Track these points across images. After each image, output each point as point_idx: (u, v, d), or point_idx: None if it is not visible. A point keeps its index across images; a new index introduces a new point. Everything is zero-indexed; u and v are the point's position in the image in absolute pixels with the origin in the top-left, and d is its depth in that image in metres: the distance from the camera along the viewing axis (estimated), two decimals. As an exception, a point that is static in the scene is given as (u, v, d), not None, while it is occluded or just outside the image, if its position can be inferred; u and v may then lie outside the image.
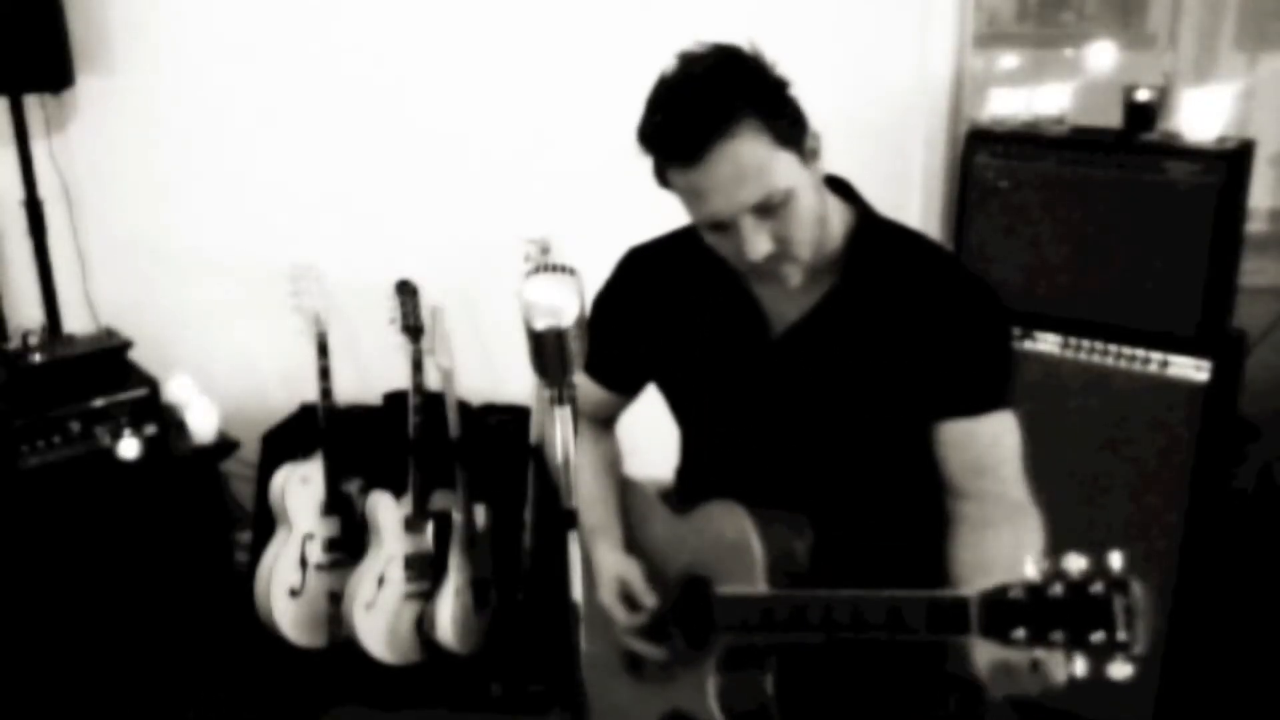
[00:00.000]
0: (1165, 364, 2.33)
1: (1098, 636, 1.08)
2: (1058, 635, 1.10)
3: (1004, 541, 1.40)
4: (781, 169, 1.35)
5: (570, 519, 1.23)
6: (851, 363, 1.49)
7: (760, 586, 1.44)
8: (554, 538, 2.30)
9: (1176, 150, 2.29)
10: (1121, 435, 2.38)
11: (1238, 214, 2.29)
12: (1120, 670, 1.08)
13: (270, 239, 3.00)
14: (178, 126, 3.02)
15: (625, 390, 1.73)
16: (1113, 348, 2.38)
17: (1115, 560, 1.10)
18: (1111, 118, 2.41)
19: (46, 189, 2.98)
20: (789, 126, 1.37)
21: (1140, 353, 2.35)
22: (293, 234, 2.99)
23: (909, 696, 1.55)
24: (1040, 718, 2.42)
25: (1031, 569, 1.13)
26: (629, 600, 1.59)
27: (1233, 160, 2.24)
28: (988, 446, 1.47)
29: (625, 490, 1.73)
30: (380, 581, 2.80)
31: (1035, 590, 1.12)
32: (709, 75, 1.35)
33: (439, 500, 2.84)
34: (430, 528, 2.81)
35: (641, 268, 1.66)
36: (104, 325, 2.96)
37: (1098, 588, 1.09)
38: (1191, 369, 2.30)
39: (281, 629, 2.84)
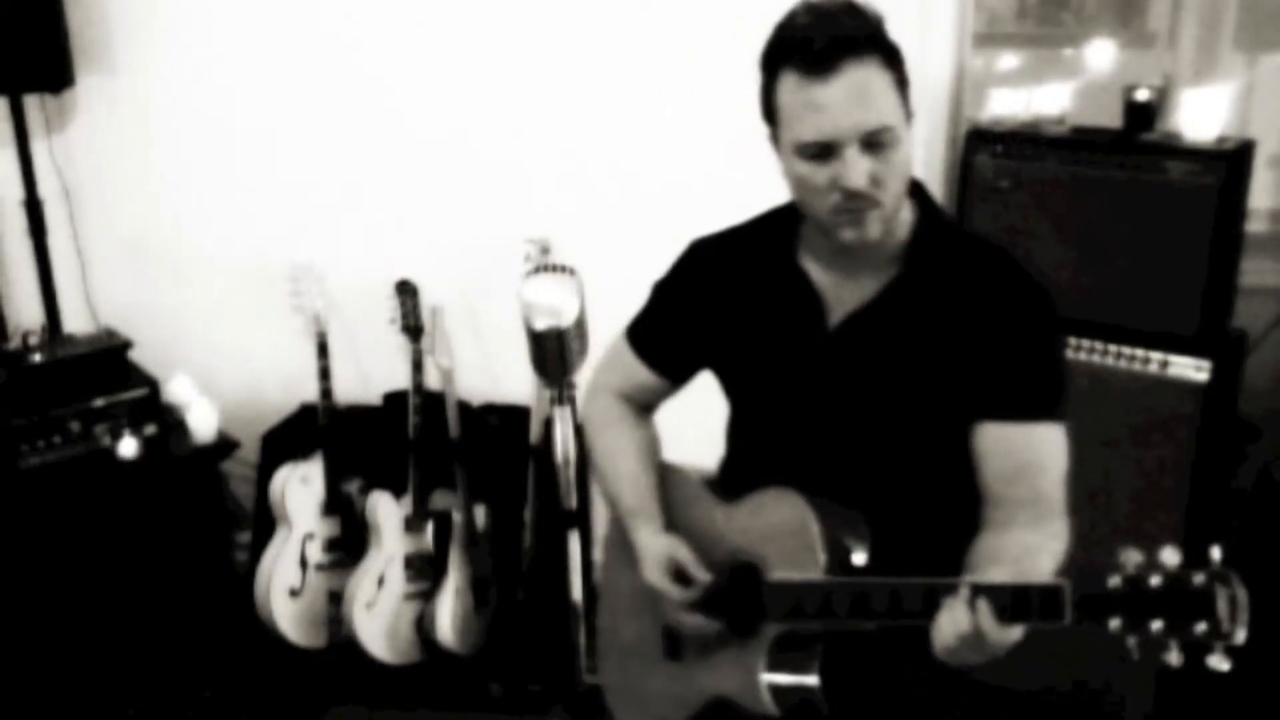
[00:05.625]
0: (1165, 364, 2.33)
1: (1201, 628, 1.10)
2: (1156, 625, 1.12)
3: (1012, 540, 1.40)
4: (894, 110, 1.40)
5: (570, 519, 1.23)
6: (907, 355, 1.50)
7: (818, 575, 1.43)
8: (554, 538, 2.30)
9: (1176, 150, 2.29)
10: (1121, 435, 2.38)
11: (1238, 214, 2.29)
12: (1220, 662, 1.10)
13: (270, 239, 3.00)
14: (178, 126, 3.02)
15: (677, 377, 1.74)
16: (1113, 348, 2.38)
17: (1215, 553, 1.12)
18: (1111, 118, 2.41)
19: (46, 189, 2.98)
20: (902, 80, 1.43)
21: (1140, 353, 2.35)
22: (293, 234, 2.98)
23: (954, 684, 1.54)
24: (1041, 712, 2.43)
25: (1126, 559, 1.15)
26: (680, 576, 1.59)
27: (1233, 160, 2.24)
28: (1027, 455, 1.45)
29: (666, 475, 1.74)
30: (380, 581, 2.80)
31: (1132, 580, 1.14)
32: (848, 6, 1.42)
33: (439, 500, 2.84)
34: (430, 528, 2.81)
35: (705, 257, 1.68)
36: (104, 325, 2.96)
37: (1200, 579, 1.11)
38: (1191, 369, 2.30)
39: (281, 629, 2.84)
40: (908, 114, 1.43)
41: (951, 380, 1.47)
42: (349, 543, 2.86)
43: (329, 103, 2.94)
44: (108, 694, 2.69)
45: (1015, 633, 1.24)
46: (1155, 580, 1.12)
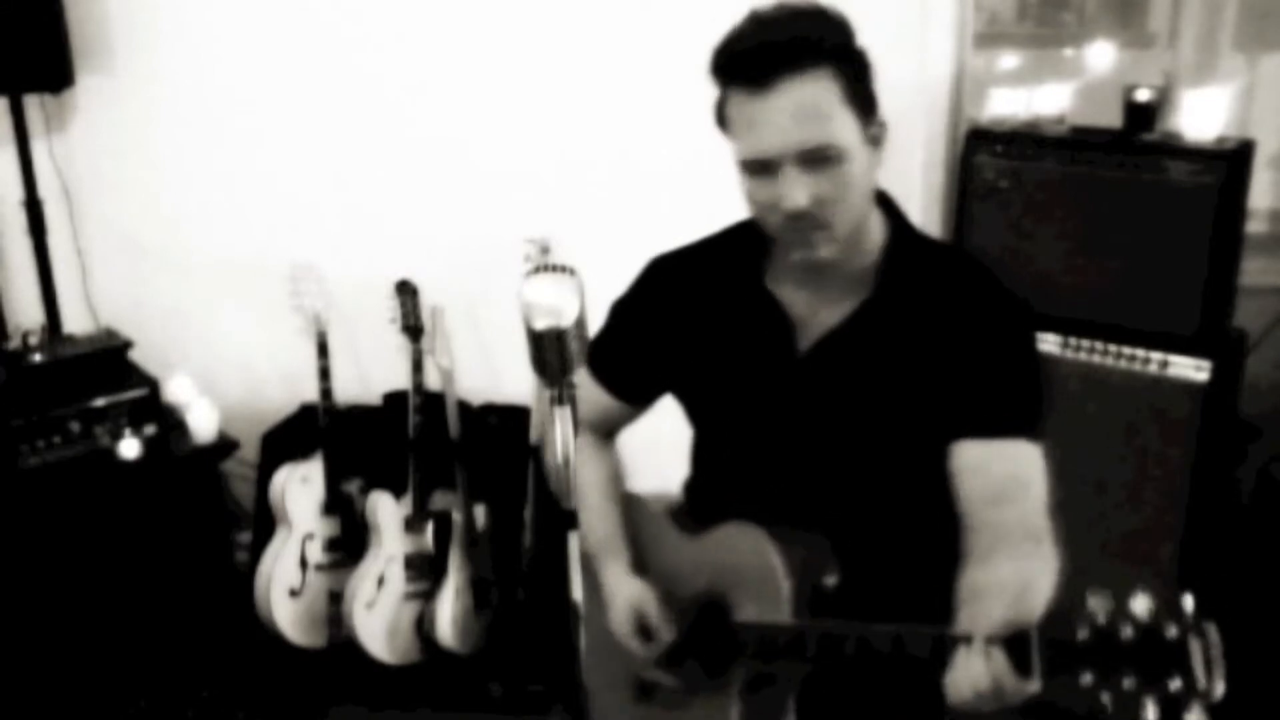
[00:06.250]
0: (1165, 364, 2.33)
1: (1176, 684, 1.03)
2: (1129, 681, 1.05)
3: (1003, 570, 1.32)
4: (841, 127, 1.33)
5: (570, 519, 1.21)
6: (882, 378, 1.44)
7: (785, 612, 1.38)
8: (554, 538, 2.30)
9: (1176, 150, 2.29)
10: (1122, 435, 2.38)
11: (1238, 214, 2.29)
12: (1196, 718, 1.04)
13: (270, 239, 3.00)
14: (178, 126, 3.02)
15: (638, 401, 1.68)
16: (1113, 348, 2.38)
17: (1187, 603, 1.05)
18: (1111, 118, 2.41)
19: (46, 189, 2.98)
20: (860, 93, 1.36)
21: (1140, 353, 2.35)
22: (293, 234, 2.99)
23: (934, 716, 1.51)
24: (1040, 714, 2.42)
25: (1095, 607, 1.08)
26: (644, 630, 1.53)
27: (1233, 160, 2.24)
28: (1006, 475, 1.38)
29: (630, 507, 1.67)
30: (380, 581, 2.80)
31: (1102, 632, 1.07)
32: (799, 14, 1.35)
33: (439, 500, 2.84)
34: (430, 528, 2.81)
35: (665, 276, 1.61)
36: (104, 325, 2.96)
37: (1173, 631, 1.04)
38: (1191, 369, 2.30)
39: (281, 629, 2.84)
40: (867, 128, 1.36)
41: (929, 401, 1.41)
42: (349, 543, 2.86)
43: (329, 103, 2.94)
44: (108, 694, 2.69)
45: (1034, 684, 1.15)
46: (1127, 632, 1.05)
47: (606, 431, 1.74)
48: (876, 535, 1.48)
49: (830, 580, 1.42)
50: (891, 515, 1.49)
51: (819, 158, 1.32)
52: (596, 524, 1.64)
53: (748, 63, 1.33)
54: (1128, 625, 1.06)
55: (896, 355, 1.44)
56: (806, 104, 1.31)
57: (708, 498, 1.62)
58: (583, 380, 1.67)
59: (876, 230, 1.47)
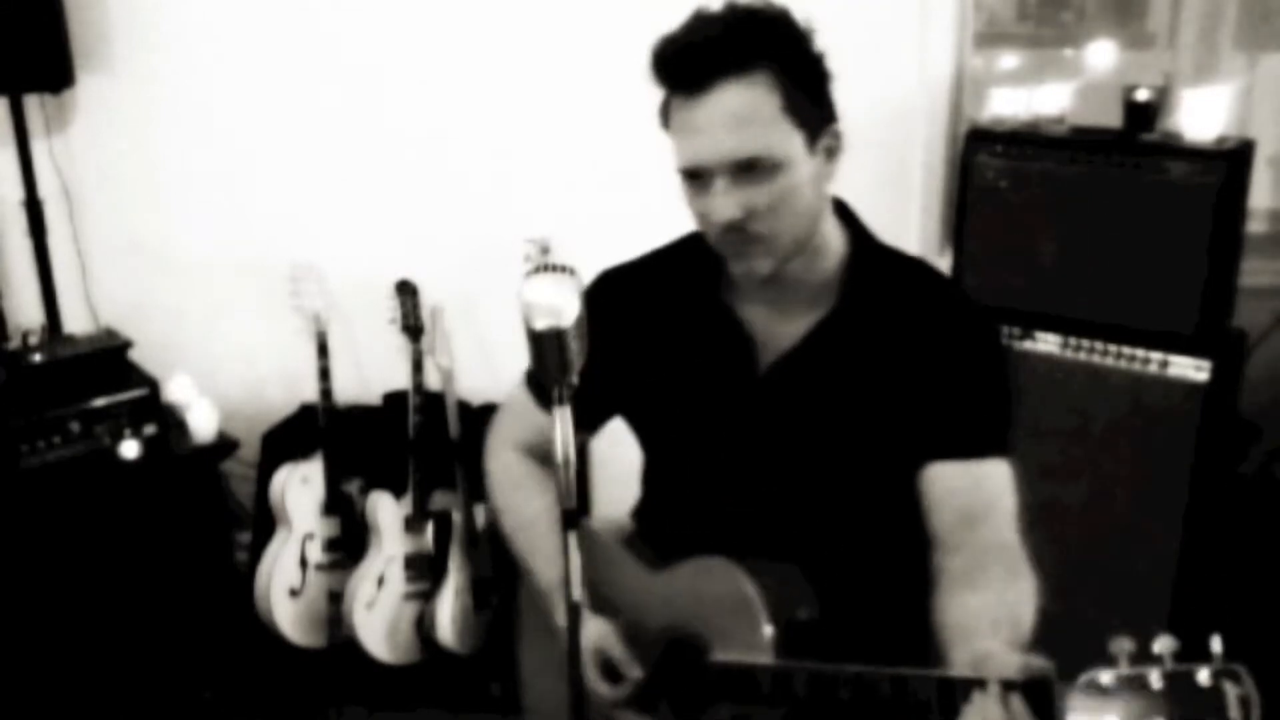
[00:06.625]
0: (1165, 364, 2.32)
1: None
2: None
3: (989, 601, 1.27)
4: (780, 137, 1.28)
5: (570, 519, 1.20)
6: (847, 396, 1.39)
7: (767, 650, 1.32)
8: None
9: (1176, 150, 2.29)
10: (1121, 435, 2.37)
11: (1238, 214, 2.29)
12: None
13: (270, 239, 3.00)
14: (178, 127, 3.02)
15: (587, 426, 1.59)
16: (1113, 348, 2.38)
17: (1216, 645, 1.02)
18: (1111, 118, 2.41)
19: (46, 189, 2.98)
20: (807, 102, 1.30)
21: (1140, 353, 2.35)
22: (293, 234, 2.99)
23: None
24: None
25: (1118, 650, 1.04)
26: (609, 671, 1.45)
27: (1233, 160, 2.24)
28: (981, 494, 1.35)
29: (582, 539, 1.54)
30: (380, 581, 2.80)
31: (1128, 677, 1.03)
32: (745, 16, 1.28)
33: (439, 500, 2.84)
34: (430, 528, 2.81)
35: (615, 291, 1.53)
36: (104, 325, 2.96)
37: (1204, 676, 1.00)
38: (1191, 369, 2.30)
39: (281, 629, 2.84)
40: (815, 138, 1.31)
41: (898, 420, 1.37)
42: (349, 543, 2.86)
43: (329, 103, 2.94)
44: (108, 694, 2.68)
45: None
46: (1154, 678, 1.02)
47: (548, 458, 1.67)
48: (846, 561, 1.42)
49: (805, 613, 1.37)
50: (861, 540, 1.43)
51: (752, 168, 1.27)
52: (546, 564, 1.52)
53: (680, 65, 1.28)
54: (1155, 670, 1.02)
55: (860, 372, 1.39)
56: (740, 111, 1.26)
57: (664, 525, 1.55)
58: (522, 404, 1.60)
59: (835, 242, 1.42)
